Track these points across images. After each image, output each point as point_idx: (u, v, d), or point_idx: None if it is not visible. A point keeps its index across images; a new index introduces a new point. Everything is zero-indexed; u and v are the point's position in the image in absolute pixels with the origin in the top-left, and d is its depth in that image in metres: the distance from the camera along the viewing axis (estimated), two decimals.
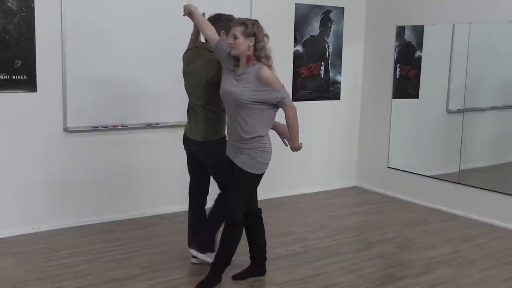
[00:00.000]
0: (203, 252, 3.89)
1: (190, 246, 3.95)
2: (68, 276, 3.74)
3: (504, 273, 4.03)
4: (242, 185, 3.52)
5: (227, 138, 3.61)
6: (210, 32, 3.56)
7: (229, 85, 3.42)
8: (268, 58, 3.40)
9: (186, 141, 3.86)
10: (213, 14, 3.76)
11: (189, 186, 3.98)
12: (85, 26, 4.58)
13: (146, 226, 4.83)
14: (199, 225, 3.94)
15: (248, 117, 3.39)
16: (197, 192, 3.97)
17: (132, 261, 4.04)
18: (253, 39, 3.36)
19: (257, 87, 3.35)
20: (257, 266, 3.83)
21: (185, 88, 3.83)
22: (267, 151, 3.48)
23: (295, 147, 3.57)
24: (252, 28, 3.36)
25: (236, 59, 3.43)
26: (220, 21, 3.68)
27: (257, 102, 3.36)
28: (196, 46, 3.83)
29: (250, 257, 3.83)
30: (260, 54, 3.39)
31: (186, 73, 3.82)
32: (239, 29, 3.35)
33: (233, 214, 3.53)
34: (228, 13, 3.76)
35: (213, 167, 3.83)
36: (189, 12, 3.65)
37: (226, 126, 3.67)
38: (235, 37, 3.35)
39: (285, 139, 3.66)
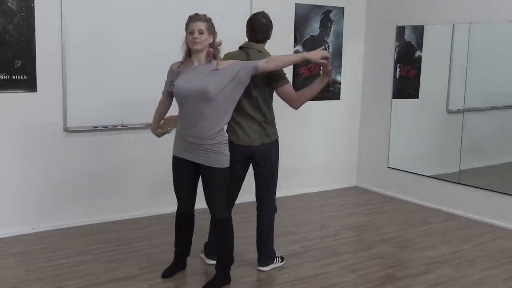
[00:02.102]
0: (268, 265, 3.95)
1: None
2: (68, 276, 3.74)
3: (504, 273, 4.03)
4: (216, 183, 3.50)
5: (178, 137, 3.57)
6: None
7: (191, 81, 3.38)
8: None
9: (241, 147, 3.71)
10: (254, 19, 3.77)
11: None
12: (85, 26, 4.58)
13: (146, 226, 4.83)
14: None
15: (213, 111, 3.38)
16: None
17: (132, 261, 4.04)
18: (212, 36, 3.43)
19: (222, 72, 3.38)
20: (218, 273, 3.68)
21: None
22: (227, 142, 3.51)
23: (315, 58, 3.53)
24: (212, 26, 3.44)
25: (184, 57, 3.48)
26: (270, 23, 3.76)
27: (227, 85, 3.37)
28: (241, 47, 3.77)
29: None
30: (217, 53, 3.47)
31: None
32: (204, 25, 3.38)
33: (218, 215, 3.54)
34: (253, 13, 3.86)
35: (271, 167, 3.84)
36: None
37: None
38: (201, 32, 3.37)
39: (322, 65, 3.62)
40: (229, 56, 3.69)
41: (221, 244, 3.63)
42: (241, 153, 3.73)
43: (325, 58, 3.54)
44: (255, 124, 3.71)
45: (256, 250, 3.97)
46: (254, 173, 3.87)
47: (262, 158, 3.77)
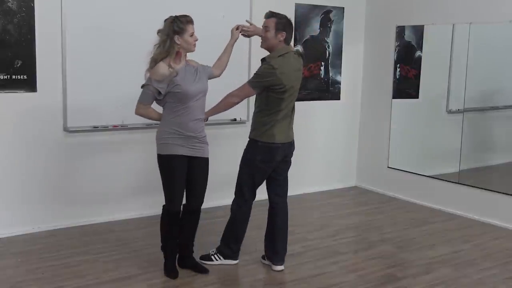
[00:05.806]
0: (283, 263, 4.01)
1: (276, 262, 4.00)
2: (68, 276, 3.74)
3: (504, 273, 4.04)
4: (207, 173, 3.71)
5: (174, 135, 3.58)
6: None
7: (191, 80, 3.53)
8: None
9: (283, 147, 3.81)
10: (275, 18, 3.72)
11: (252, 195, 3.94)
12: (85, 26, 4.57)
13: (146, 226, 4.83)
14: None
15: (204, 103, 3.63)
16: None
17: (132, 261, 4.04)
18: None
19: (199, 68, 3.63)
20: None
21: (289, 98, 3.73)
22: None
23: (236, 37, 3.87)
24: None
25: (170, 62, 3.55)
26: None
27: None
28: (283, 54, 3.67)
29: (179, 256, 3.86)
30: None
31: (294, 80, 3.74)
32: None
33: (200, 205, 3.71)
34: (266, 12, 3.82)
35: (290, 165, 4.01)
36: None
37: None
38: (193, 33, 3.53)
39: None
40: (289, 65, 3.67)
41: (191, 233, 3.78)
42: (283, 153, 3.83)
43: (237, 28, 3.86)
44: (292, 120, 3.88)
45: (263, 250, 4.02)
46: (277, 172, 3.92)
47: (291, 155, 3.94)
